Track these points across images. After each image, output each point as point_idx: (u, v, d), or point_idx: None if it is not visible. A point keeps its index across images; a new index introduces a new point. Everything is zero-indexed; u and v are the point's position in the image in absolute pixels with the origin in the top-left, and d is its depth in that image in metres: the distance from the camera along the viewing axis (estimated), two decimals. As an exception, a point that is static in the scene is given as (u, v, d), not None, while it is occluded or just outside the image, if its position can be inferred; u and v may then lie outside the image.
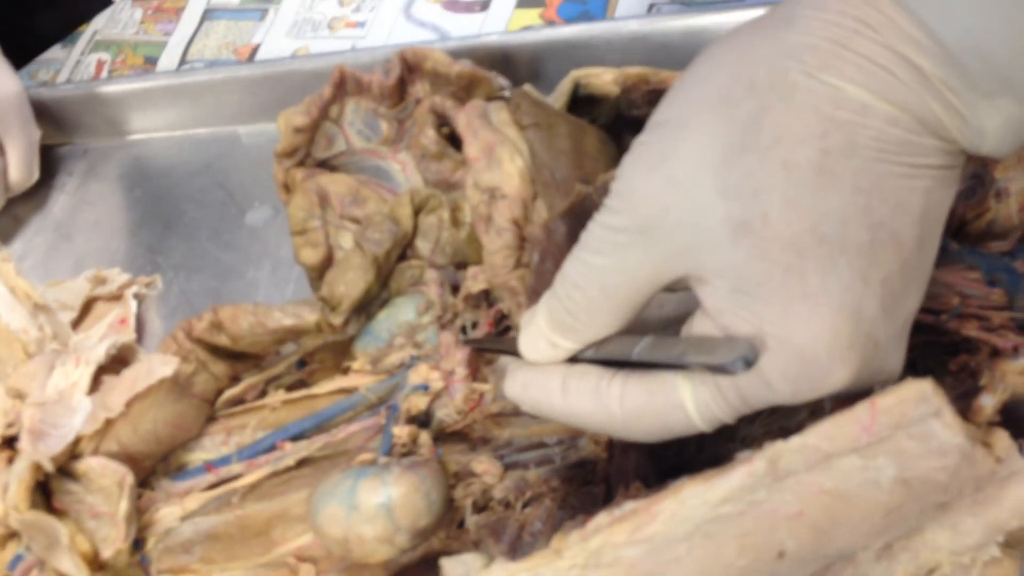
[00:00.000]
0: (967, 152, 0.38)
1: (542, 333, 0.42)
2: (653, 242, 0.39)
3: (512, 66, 0.72)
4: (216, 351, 0.56)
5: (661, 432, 0.41)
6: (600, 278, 0.40)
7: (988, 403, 0.42)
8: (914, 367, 0.49)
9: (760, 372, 0.37)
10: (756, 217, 0.36)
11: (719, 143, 0.37)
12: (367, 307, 0.57)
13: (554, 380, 0.42)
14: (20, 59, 0.90)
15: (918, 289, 0.39)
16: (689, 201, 0.38)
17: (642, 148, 0.39)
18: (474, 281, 0.56)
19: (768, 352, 0.37)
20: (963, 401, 0.44)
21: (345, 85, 0.64)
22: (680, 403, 0.39)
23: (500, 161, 0.55)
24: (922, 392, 0.38)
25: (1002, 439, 0.40)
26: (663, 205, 0.38)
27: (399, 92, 0.64)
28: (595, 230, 0.40)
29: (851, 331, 0.36)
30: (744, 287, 0.37)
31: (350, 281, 0.56)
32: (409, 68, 0.64)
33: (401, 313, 0.57)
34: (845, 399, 0.39)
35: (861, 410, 0.38)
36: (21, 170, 0.77)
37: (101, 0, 0.99)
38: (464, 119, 0.59)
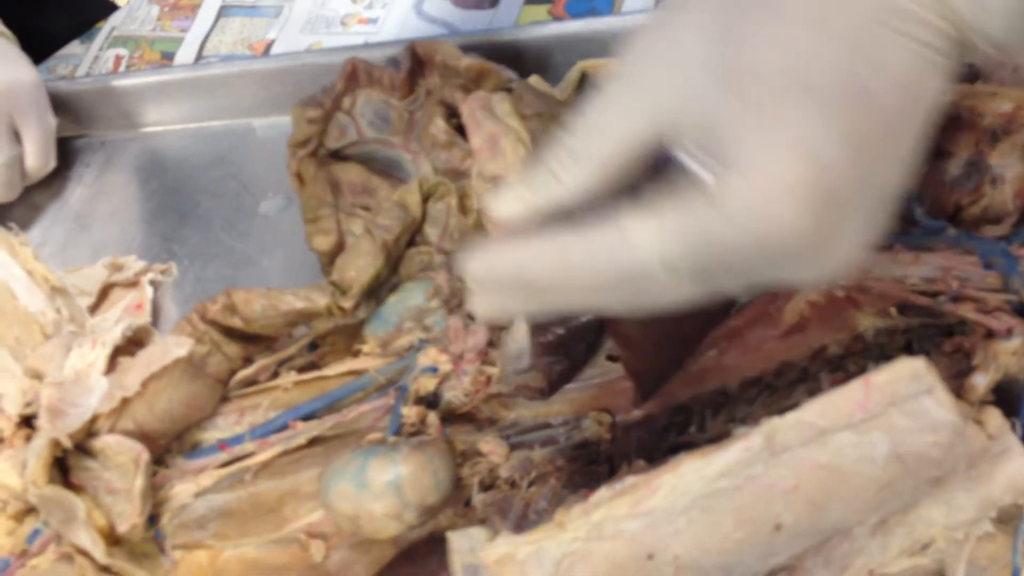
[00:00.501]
0: (972, 36, 0.37)
1: (514, 189, 0.41)
2: (638, 90, 0.38)
3: (520, 60, 0.73)
4: (230, 333, 0.57)
5: (620, 285, 0.38)
6: (583, 130, 0.40)
7: (981, 382, 0.43)
8: (910, 348, 0.50)
9: (718, 202, 0.36)
10: (736, 55, 0.36)
11: (717, 5, 0.38)
12: (377, 291, 0.58)
13: (516, 245, 0.40)
14: (38, 56, 0.91)
15: (896, 167, 0.37)
16: (677, 48, 0.38)
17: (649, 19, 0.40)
18: None
19: (727, 182, 0.36)
20: (957, 380, 0.44)
21: (357, 77, 0.65)
22: (633, 245, 0.37)
23: (503, 151, 0.56)
24: (915, 370, 0.39)
25: (994, 417, 0.41)
26: (654, 53, 0.38)
27: (409, 84, 0.65)
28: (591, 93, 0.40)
29: (811, 176, 0.35)
30: (715, 128, 0.36)
31: (360, 266, 0.57)
32: (419, 61, 0.65)
33: (410, 297, 0.58)
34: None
35: (855, 387, 0.39)
36: (38, 158, 0.78)
37: (111, 4, 1.01)
38: (467, 110, 0.60)
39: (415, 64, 0.66)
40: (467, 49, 0.66)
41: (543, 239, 0.39)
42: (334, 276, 0.58)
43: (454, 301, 0.58)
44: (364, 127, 0.65)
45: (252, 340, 0.58)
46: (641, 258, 0.37)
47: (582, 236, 0.39)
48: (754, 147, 0.36)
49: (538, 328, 0.53)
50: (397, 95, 0.65)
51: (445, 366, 0.55)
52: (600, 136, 0.40)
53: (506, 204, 0.42)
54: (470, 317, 0.57)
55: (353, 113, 0.66)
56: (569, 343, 0.53)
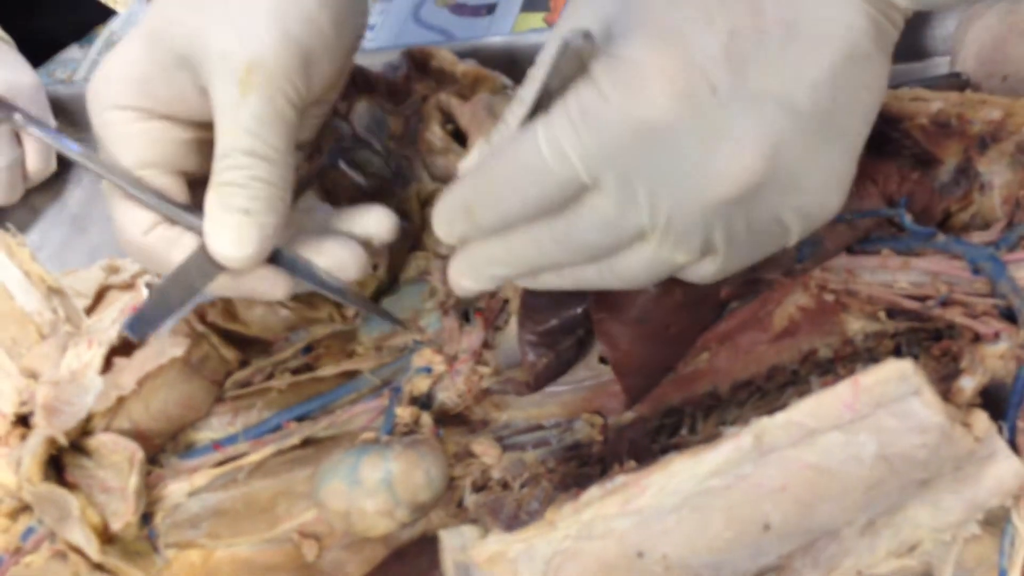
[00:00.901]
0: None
1: (476, 147, 0.46)
2: (563, 23, 0.42)
3: (516, 67, 0.73)
4: (228, 336, 0.57)
5: (522, 178, 0.41)
6: (529, 79, 0.43)
7: (968, 385, 0.44)
8: (898, 352, 0.51)
9: (601, 86, 0.38)
10: None
11: None
12: (375, 298, 0.59)
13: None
14: (36, 60, 0.92)
15: (783, 78, 0.39)
16: None
17: None
18: None
19: (610, 68, 0.38)
20: (945, 383, 0.45)
21: (355, 81, 0.65)
22: (535, 137, 0.40)
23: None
24: (902, 372, 0.39)
25: (981, 420, 0.41)
26: None
27: (406, 89, 0.65)
28: None
29: (683, 64, 0.38)
30: (613, 32, 0.40)
31: (363, 280, 0.58)
32: (416, 66, 0.66)
33: (406, 299, 0.58)
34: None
35: (844, 388, 0.40)
36: (39, 161, 0.78)
37: (109, 9, 1.01)
38: (470, 112, 0.61)
39: (412, 69, 0.66)
40: (463, 56, 0.66)
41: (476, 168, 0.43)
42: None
43: (450, 301, 0.58)
44: (360, 131, 0.66)
45: (249, 343, 0.58)
46: (542, 154, 0.40)
47: (500, 149, 0.42)
48: (638, 40, 0.38)
49: (526, 323, 0.54)
50: (394, 99, 0.66)
51: (439, 367, 0.55)
52: (537, 71, 0.43)
53: (468, 160, 0.46)
54: (465, 318, 0.58)
55: (350, 118, 0.66)
56: (556, 338, 0.54)
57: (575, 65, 0.38)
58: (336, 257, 0.50)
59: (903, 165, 0.52)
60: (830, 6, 0.40)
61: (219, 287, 0.49)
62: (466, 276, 0.46)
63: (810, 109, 0.39)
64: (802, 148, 0.40)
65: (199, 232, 0.47)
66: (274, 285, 0.49)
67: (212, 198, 0.46)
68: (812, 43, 0.39)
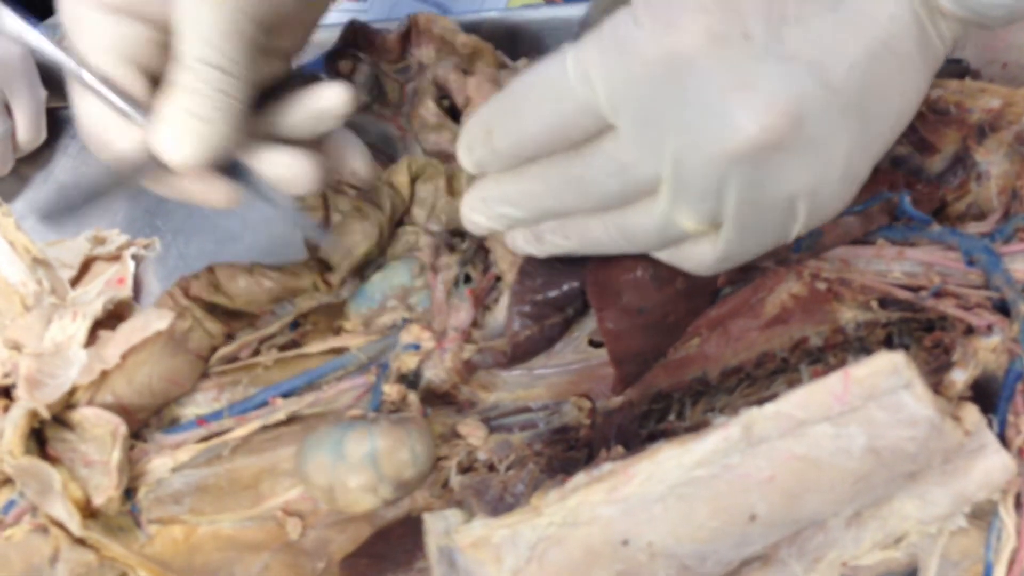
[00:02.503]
0: None
1: None
2: None
3: (512, 43, 0.72)
4: (212, 309, 0.56)
5: (543, 96, 0.41)
6: None
7: (959, 378, 0.43)
8: (890, 342, 0.51)
9: (632, 8, 0.39)
10: None
11: None
12: (363, 270, 0.58)
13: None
14: (40, 16, 0.90)
15: (816, 39, 0.39)
16: None
17: None
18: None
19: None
20: (936, 375, 0.45)
21: (356, 40, 0.65)
22: (564, 58, 0.40)
23: None
24: (894, 364, 0.39)
25: (971, 413, 0.41)
26: None
27: (401, 46, 0.64)
28: None
29: (720, 6, 0.38)
30: None
31: (352, 244, 0.57)
32: (419, 30, 0.65)
33: (395, 276, 0.58)
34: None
35: (834, 380, 0.40)
36: (29, 131, 0.78)
37: None
38: (475, 83, 0.60)
39: (414, 32, 0.65)
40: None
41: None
42: (322, 252, 0.57)
43: (440, 262, 0.57)
44: (361, 94, 0.65)
45: (234, 317, 0.57)
46: (567, 73, 0.40)
47: (527, 70, 0.42)
48: None
49: (519, 291, 0.53)
50: (389, 57, 0.65)
51: (428, 343, 0.55)
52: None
53: None
54: (455, 284, 0.57)
55: (353, 79, 0.65)
56: (545, 311, 0.53)
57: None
58: (285, 168, 0.49)
59: (903, 162, 0.52)
60: None
61: (159, 186, 0.49)
62: (478, 211, 0.46)
63: (842, 86, 0.39)
64: (828, 124, 0.39)
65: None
66: (215, 193, 0.48)
67: (163, 98, 0.46)
68: (855, 20, 0.39)
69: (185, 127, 0.45)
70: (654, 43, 0.38)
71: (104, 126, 0.48)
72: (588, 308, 0.55)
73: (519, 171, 0.44)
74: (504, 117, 0.43)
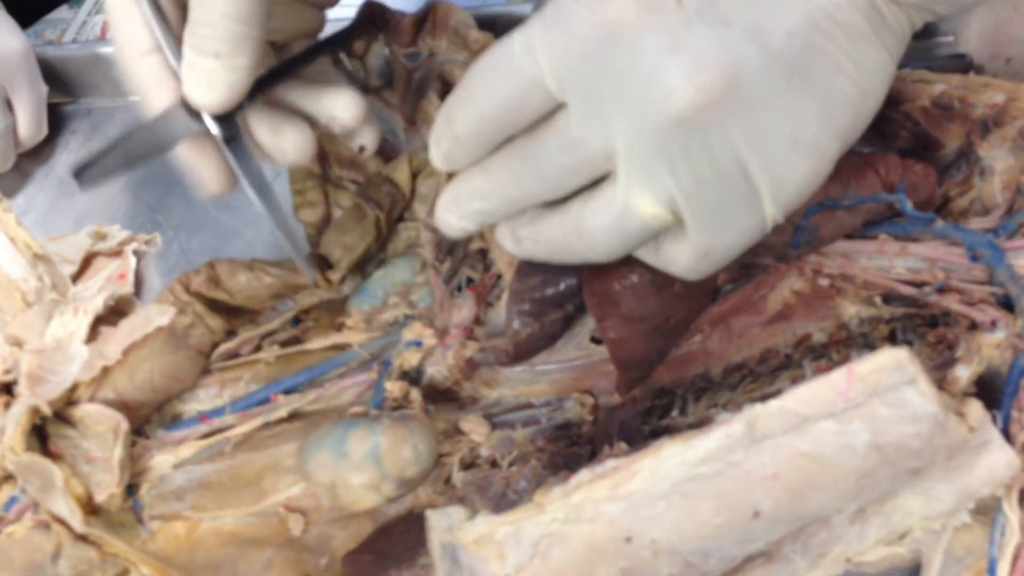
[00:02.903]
0: None
1: None
2: None
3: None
4: (213, 305, 0.56)
5: (493, 77, 0.42)
6: None
7: (963, 374, 0.43)
8: (893, 338, 0.51)
9: None
10: None
11: None
12: (363, 266, 0.58)
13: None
14: (26, 20, 0.90)
15: (752, 2, 0.40)
16: None
17: None
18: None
19: None
20: (940, 371, 0.45)
21: (374, 19, 0.64)
22: (511, 39, 0.41)
23: None
24: (898, 360, 0.39)
25: (975, 409, 0.41)
26: None
27: (414, 32, 0.64)
28: None
29: None
30: None
31: (350, 241, 0.57)
32: (435, 19, 0.65)
33: (397, 273, 0.58)
34: None
35: (838, 376, 0.39)
36: (31, 127, 0.78)
37: None
38: None
39: (429, 18, 0.65)
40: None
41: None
42: (321, 249, 0.57)
43: (440, 257, 0.57)
44: (373, 77, 0.65)
45: (235, 313, 0.57)
46: (512, 53, 0.41)
47: (480, 59, 0.43)
48: None
49: (517, 289, 0.53)
50: (401, 41, 0.65)
51: (430, 341, 0.55)
52: None
53: None
54: (458, 288, 0.57)
55: (365, 60, 0.65)
56: (545, 308, 0.53)
57: None
58: (285, 140, 0.50)
59: (906, 155, 0.52)
60: None
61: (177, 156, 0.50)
62: (451, 211, 0.46)
63: (783, 51, 0.40)
64: (768, 87, 0.40)
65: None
66: (213, 172, 0.50)
67: (186, 40, 0.46)
68: None
69: (212, 69, 0.46)
70: (590, 15, 0.39)
71: (146, 66, 0.48)
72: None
73: (484, 164, 0.44)
74: (461, 102, 0.43)
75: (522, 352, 0.54)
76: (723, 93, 0.39)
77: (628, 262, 0.47)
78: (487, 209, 0.46)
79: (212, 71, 0.46)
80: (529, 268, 0.53)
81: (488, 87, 0.42)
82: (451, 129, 0.44)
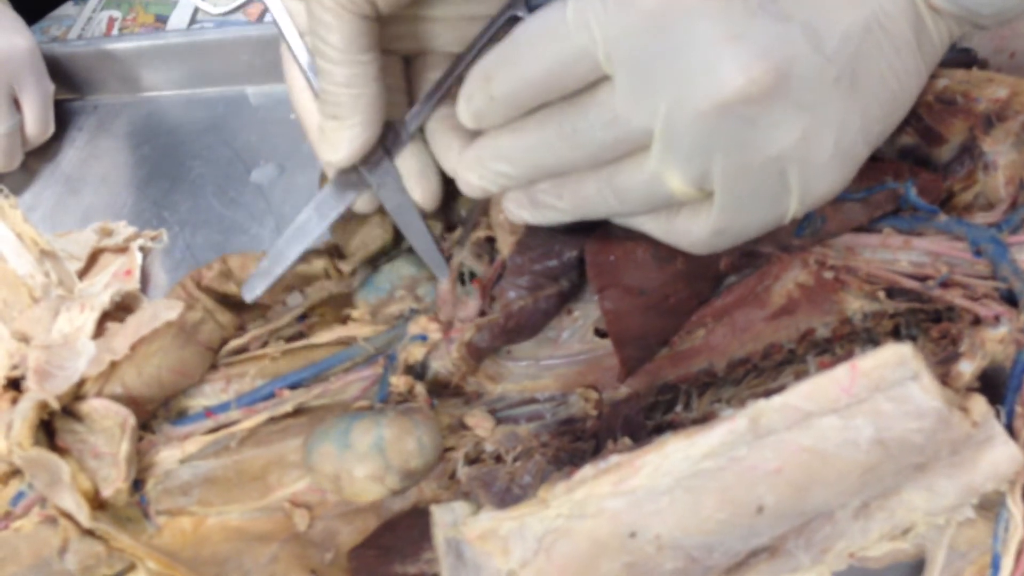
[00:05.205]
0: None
1: None
2: None
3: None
4: (224, 300, 0.57)
5: (542, 41, 0.42)
6: None
7: (967, 369, 0.43)
8: (897, 332, 0.51)
9: None
10: None
11: None
12: (375, 260, 0.58)
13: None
14: (31, 17, 0.91)
15: (812, 3, 0.40)
16: None
17: None
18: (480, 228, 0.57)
19: None
20: (943, 366, 0.45)
21: None
22: (564, 5, 0.41)
23: None
24: (901, 356, 0.39)
25: (979, 404, 0.41)
26: None
27: None
28: None
29: None
30: None
31: (368, 237, 0.57)
32: None
33: (404, 266, 0.58)
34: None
35: (842, 371, 0.39)
36: (38, 124, 0.78)
37: None
38: None
39: None
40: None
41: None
42: (336, 238, 0.57)
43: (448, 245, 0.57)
44: None
45: (246, 308, 0.57)
46: (567, 25, 0.41)
47: (528, 21, 0.43)
48: None
49: (516, 259, 0.53)
50: None
51: (435, 335, 0.55)
52: None
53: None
54: (461, 280, 0.57)
55: None
56: (541, 281, 0.53)
57: None
58: (416, 186, 0.53)
59: (909, 153, 0.52)
60: None
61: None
62: (473, 170, 0.47)
63: (834, 54, 0.39)
64: (818, 90, 0.40)
65: None
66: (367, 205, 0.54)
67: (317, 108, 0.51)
68: None
69: (333, 130, 0.50)
70: (654, 16, 0.39)
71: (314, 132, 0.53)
72: (584, 282, 0.54)
73: (515, 126, 0.45)
74: (503, 63, 0.43)
75: (513, 325, 0.54)
76: (774, 88, 0.39)
77: (633, 235, 0.47)
78: (512, 173, 0.46)
79: (334, 131, 0.50)
80: (530, 241, 0.53)
81: (535, 51, 0.42)
82: (488, 88, 0.44)
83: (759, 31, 0.39)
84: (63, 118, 0.83)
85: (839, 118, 0.40)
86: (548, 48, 0.41)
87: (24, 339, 0.56)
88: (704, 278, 0.54)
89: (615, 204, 0.44)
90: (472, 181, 0.47)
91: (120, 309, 0.58)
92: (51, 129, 0.80)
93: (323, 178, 0.57)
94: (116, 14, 0.93)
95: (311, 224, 0.53)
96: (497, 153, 0.46)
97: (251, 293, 0.54)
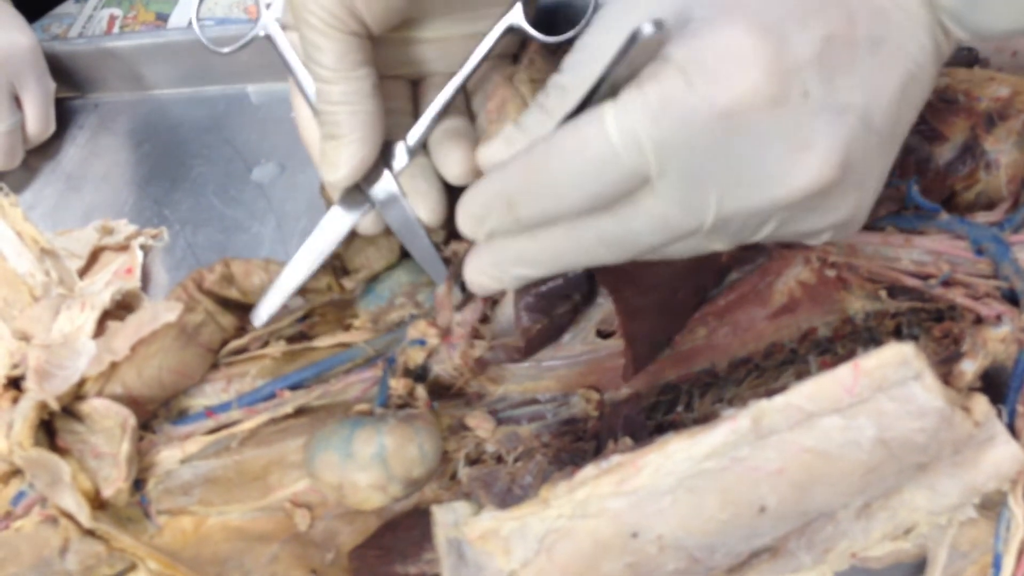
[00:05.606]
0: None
1: (503, 133, 0.44)
2: (625, 11, 0.41)
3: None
4: (225, 303, 0.57)
5: (584, 167, 0.38)
6: (573, 64, 0.42)
7: (969, 368, 0.43)
8: (899, 332, 0.50)
9: (676, 62, 0.36)
10: None
11: None
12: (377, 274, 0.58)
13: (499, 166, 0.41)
14: (32, 14, 0.90)
15: (863, 84, 0.38)
16: None
17: None
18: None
19: (691, 49, 0.36)
20: (945, 366, 0.45)
21: None
22: (602, 122, 0.37)
23: (508, 114, 0.56)
24: (903, 355, 0.39)
25: (981, 404, 0.41)
26: None
27: None
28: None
29: (773, 49, 0.36)
30: (689, 17, 0.38)
31: (373, 256, 0.57)
32: None
33: (403, 273, 0.58)
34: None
35: (844, 371, 0.39)
36: (39, 123, 0.78)
37: None
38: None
39: None
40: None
41: (521, 152, 0.40)
42: (344, 254, 0.57)
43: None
44: None
45: (247, 310, 0.57)
46: (611, 141, 0.37)
47: (555, 135, 0.39)
48: (732, 29, 0.36)
49: (519, 292, 0.53)
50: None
51: (433, 339, 0.55)
52: (593, 61, 0.40)
53: (494, 149, 0.44)
54: (462, 288, 0.57)
55: None
56: (553, 302, 0.53)
57: (646, 55, 0.36)
58: (419, 203, 0.53)
59: (910, 152, 0.52)
60: (911, 24, 0.40)
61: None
62: (487, 275, 0.43)
63: (880, 126, 0.39)
64: (869, 163, 0.40)
65: None
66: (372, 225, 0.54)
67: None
68: (890, 59, 0.39)
69: (331, 150, 0.50)
70: (708, 105, 0.36)
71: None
72: (594, 295, 0.54)
73: (539, 232, 0.41)
74: (532, 188, 0.39)
75: (534, 347, 0.54)
76: (834, 180, 0.38)
77: None
78: (535, 274, 0.43)
79: (333, 150, 0.50)
80: None
81: (576, 177, 0.38)
82: (512, 211, 0.40)
83: (823, 133, 0.37)
84: (64, 116, 0.83)
85: (881, 175, 0.41)
86: (591, 177, 0.38)
87: (24, 338, 0.56)
88: (706, 271, 0.54)
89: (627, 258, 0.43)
90: (487, 285, 0.44)
91: (121, 308, 0.58)
92: (52, 127, 0.80)
93: (323, 186, 0.56)
94: (117, 12, 0.93)
95: (318, 248, 0.53)
96: (519, 258, 0.42)
97: (259, 319, 0.54)
